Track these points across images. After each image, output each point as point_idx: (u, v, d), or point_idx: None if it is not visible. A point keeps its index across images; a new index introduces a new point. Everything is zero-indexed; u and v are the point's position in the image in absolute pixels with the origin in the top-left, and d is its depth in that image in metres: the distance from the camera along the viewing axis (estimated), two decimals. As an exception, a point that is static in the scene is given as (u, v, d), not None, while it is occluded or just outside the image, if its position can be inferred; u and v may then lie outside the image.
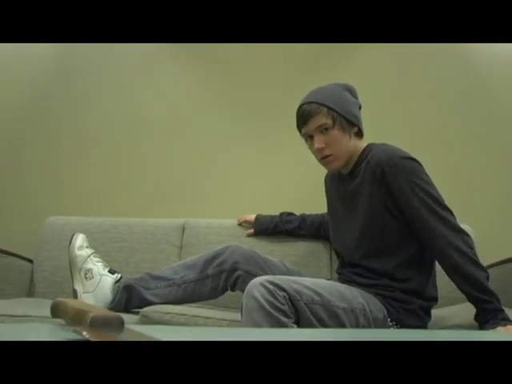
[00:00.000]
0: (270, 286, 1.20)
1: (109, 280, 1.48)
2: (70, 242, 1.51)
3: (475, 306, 1.29)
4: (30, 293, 1.97)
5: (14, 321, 1.34)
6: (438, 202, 1.35)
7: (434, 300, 1.45)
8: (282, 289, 1.21)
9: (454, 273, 1.31)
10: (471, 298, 1.28)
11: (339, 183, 1.58)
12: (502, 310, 1.26)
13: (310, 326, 1.25)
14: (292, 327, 1.21)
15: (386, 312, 1.37)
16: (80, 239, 1.53)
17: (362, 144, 1.51)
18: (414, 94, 2.30)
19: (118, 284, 1.48)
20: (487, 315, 1.26)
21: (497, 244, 2.10)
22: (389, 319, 1.37)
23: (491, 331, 1.21)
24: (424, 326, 1.42)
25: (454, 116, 2.27)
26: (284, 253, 1.91)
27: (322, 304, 1.26)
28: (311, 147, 1.50)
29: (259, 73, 2.33)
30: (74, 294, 1.44)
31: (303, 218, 1.93)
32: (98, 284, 1.47)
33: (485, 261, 1.93)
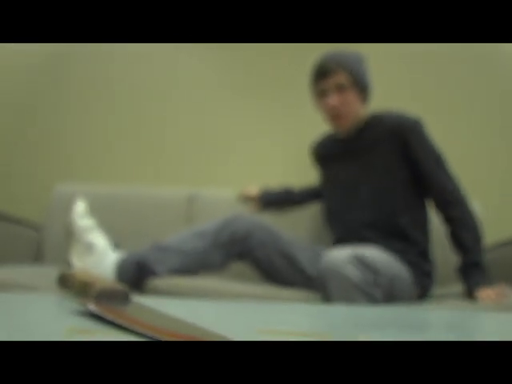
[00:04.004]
0: (356, 262, 1.20)
1: (111, 259, 1.37)
2: (70, 209, 1.40)
3: (462, 254, 1.36)
4: (38, 260, 1.99)
5: (21, 289, 1.34)
6: (444, 159, 1.47)
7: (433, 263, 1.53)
8: (366, 265, 1.21)
9: (458, 222, 1.39)
10: (463, 246, 1.36)
11: (339, 146, 1.60)
12: (485, 269, 1.33)
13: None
14: (378, 301, 1.22)
15: (412, 278, 1.41)
16: (82, 207, 1.41)
17: (367, 110, 1.59)
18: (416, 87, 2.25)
19: (122, 261, 1.38)
20: (472, 269, 1.33)
21: (507, 221, 2.08)
22: (414, 285, 1.42)
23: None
24: (431, 292, 1.49)
25: (460, 88, 2.22)
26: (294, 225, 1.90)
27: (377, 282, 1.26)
28: (322, 104, 1.52)
29: (268, 57, 2.29)
30: (70, 267, 1.33)
31: (302, 188, 1.91)
32: (99, 262, 1.34)
33: (495, 238, 1.92)
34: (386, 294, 1.27)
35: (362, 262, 1.20)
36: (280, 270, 1.48)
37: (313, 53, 2.17)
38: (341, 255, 1.20)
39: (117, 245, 1.40)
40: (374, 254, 1.26)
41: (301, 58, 2.23)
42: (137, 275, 1.38)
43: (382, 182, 1.47)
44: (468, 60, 2.21)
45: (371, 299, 1.19)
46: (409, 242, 1.44)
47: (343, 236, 1.52)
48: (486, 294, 1.26)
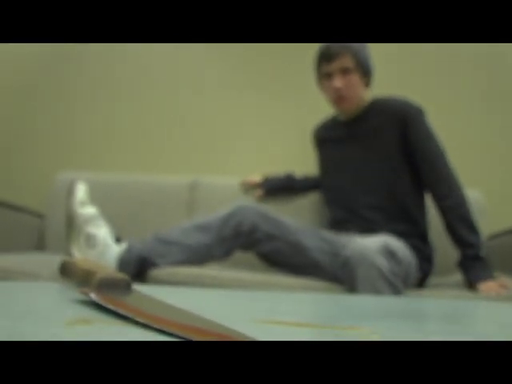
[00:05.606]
0: (385, 253, 1.21)
1: (114, 252, 1.30)
2: (71, 194, 1.29)
3: (461, 248, 1.35)
4: (40, 248, 1.99)
5: (23, 277, 1.34)
6: (443, 149, 1.48)
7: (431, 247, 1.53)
8: (392, 255, 1.22)
9: (453, 213, 1.38)
10: (462, 240, 1.35)
11: (342, 129, 1.63)
12: (485, 261, 1.32)
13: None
14: (400, 293, 1.23)
15: (416, 263, 1.43)
16: (83, 192, 1.31)
17: (370, 95, 1.61)
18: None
19: (124, 255, 1.32)
20: (472, 262, 1.33)
21: (508, 210, 2.07)
22: (416, 270, 1.43)
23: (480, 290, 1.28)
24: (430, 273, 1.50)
25: (461, 80, 2.20)
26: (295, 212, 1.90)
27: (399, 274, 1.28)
28: (326, 86, 1.55)
29: (268, 56, 2.27)
30: (71, 257, 1.26)
31: (305, 176, 1.93)
32: (100, 255, 1.26)
33: (496, 228, 1.92)
34: (403, 283, 1.29)
35: (388, 252, 1.21)
36: (288, 259, 1.47)
37: (312, 52, 2.17)
38: (370, 244, 1.19)
39: (118, 238, 1.34)
40: (396, 243, 1.28)
41: (300, 57, 2.22)
42: (139, 269, 1.36)
43: (384, 164, 1.49)
44: (468, 59, 2.19)
45: (395, 290, 1.19)
46: (411, 225, 1.46)
47: (345, 218, 1.52)
48: (487, 286, 1.26)
